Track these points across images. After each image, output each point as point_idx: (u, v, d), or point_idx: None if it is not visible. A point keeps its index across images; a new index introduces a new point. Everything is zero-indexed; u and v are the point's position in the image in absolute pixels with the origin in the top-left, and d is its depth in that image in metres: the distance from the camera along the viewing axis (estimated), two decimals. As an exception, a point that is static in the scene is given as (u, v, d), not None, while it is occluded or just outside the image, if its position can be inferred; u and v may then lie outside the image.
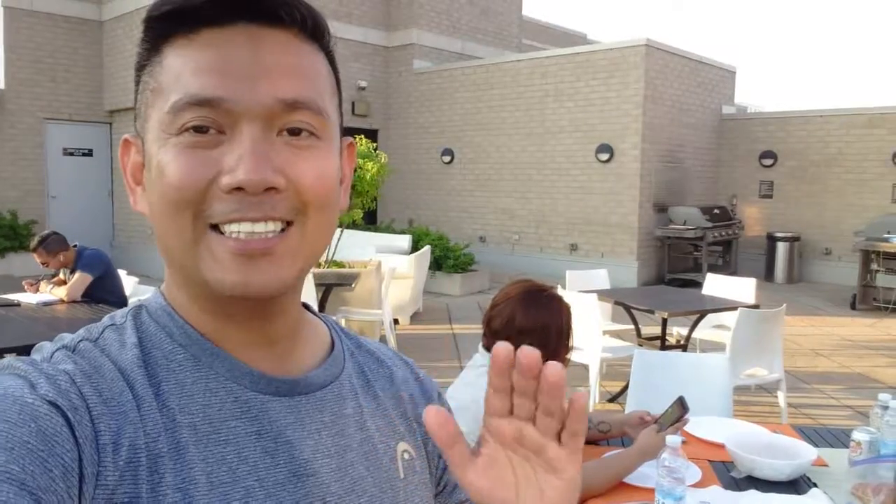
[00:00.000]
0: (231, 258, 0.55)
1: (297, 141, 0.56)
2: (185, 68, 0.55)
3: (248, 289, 0.56)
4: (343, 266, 6.68)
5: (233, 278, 0.55)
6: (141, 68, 0.59)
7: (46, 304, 4.40)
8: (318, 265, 6.55)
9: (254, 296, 0.56)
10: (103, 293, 4.61)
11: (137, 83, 0.60)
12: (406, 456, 0.69)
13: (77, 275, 4.54)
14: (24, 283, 4.79)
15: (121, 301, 4.69)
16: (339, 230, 6.67)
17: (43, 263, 4.65)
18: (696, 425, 2.21)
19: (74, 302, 4.47)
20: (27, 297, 4.50)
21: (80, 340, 0.58)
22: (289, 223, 0.57)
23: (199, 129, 0.54)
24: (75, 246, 4.71)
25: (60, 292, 4.52)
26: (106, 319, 0.62)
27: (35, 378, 0.51)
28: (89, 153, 11.50)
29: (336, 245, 6.72)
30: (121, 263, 11.40)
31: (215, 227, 0.55)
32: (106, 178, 11.64)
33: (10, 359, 0.55)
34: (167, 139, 0.55)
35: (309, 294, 5.39)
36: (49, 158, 11.08)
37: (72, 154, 11.32)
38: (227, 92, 0.54)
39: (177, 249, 0.57)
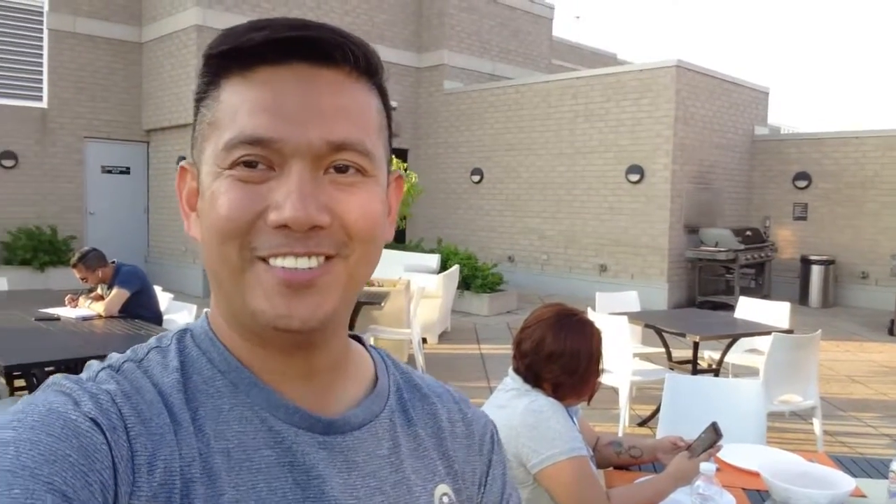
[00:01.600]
0: (276, 288, 0.56)
1: (344, 178, 0.58)
2: (240, 107, 0.57)
3: (290, 322, 0.57)
4: (372, 285, 6.72)
5: (277, 310, 0.57)
6: (200, 100, 0.62)
7: (85, 318, 4.49)
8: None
9: (296, 328, 0.57)
10: (139, 308, 4.69)
11: (196, 113, 0.62)
12: (445, 499, 0.68)
13: (115, 290, 4.63)
14: (66, 298, 4.89)
15: (156, 316, 4.77)
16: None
17: (82, 279, 4.75)
18: (730, 452, 2.19)
19: (112, 317, 4.54)
20: (67, 312, 4.60)
21: (126, 361, 0.60)
22: (332, 256, 0.58)
23: (249, 164, 0.57)
24: (113, 262, 4.81)
25: (99, 307, 4.61)
26: (153, 341, 0.64)
27: (79, 396, 0.53)
28: (126, 171, 11.76)
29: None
30: (154, 279, 11.54)
31: (262, 260, 0.57)
32: (142, 195, 11.89)
33: (58, 376, 0.57)
34: (220, 172, 0.58)
35: (339, 312, 5.42)
36: (88, 176, 11.36)
37: (110, 172, 11.60)
38: (277, 133, 0.56)
39: (224, 277, 0.59)
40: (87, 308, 4.67)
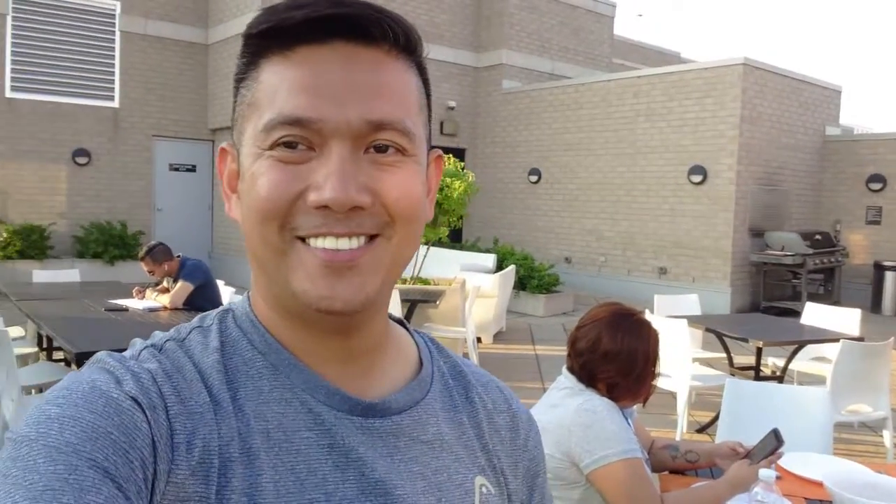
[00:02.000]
0: (319, 269, 0.56)
1: (384, 158, 0.58)
2: (279, 87, 0.57)
3: (333, 303, 0.57)
4: (428, 283, 6.75)
5: (319, 292, 0.57)
6: (239, 81, 0.61)
7: (151, 310, 4.64)
8: (404, 281, 6.65)
9: (339, 309, 0.57)
10: (203, 301, 4.81)
11: (236, 95, 0.62)
12: (484, 490, 0.67)
13: (179, 283, 4.77)
14: (133, 290, 5.08)
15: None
16: (424, 247, 6.76)
17: (149, 272, 4.91)
18: (792, 460, 2.11)
19: (176, 309, 4.68)
20: (134, 303, 4.77)
21: (168, 340, 0.61)
22: (374, 236, 0.58)
23: (289, 145, 0.56)
24: (178, 256, 4.96)
25: (164, 300, 4.76)
26: (195, 321, 0.65)
27: (121, 374, 0.54)
28: (193, 169, 12.12)
29: (422, 262, 6.80)
30: (217, 274, 11.86)
31: (302, 240, 0.57)
32: (207, 192, 12.23)
33: (103, 353, 0.58)
34: (260, 153, 0.57)
35: (393, 309, 5.48)
36: (156, 173, 11.75)
37: (177, 169, 11.97)
38: (317, 112, 0.56)
39: (266, 258, 0.59)
40: (154, 300, 4.83)
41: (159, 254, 4.87)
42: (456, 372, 0.73)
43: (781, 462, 1.97)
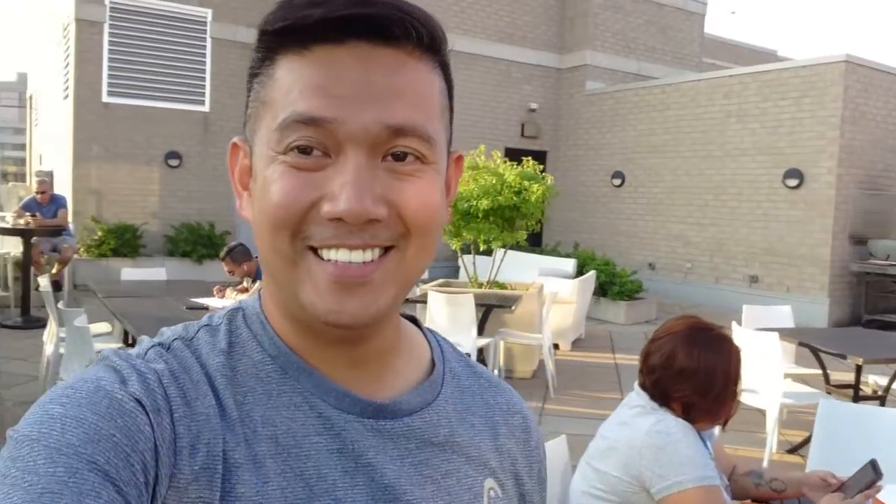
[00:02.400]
0: (328, 284, 0.54)
1: (402, 166, 0.55)
2: (294, 85, 0.54)
3: (341, 317, 0.55)
4: (504, 287, 6.64)
5: (328, 305, 0.55)
6: (253, 76, 0.59)
7: (228, 309, 4.74)
8: (480, 285, 6.57)
9: (346, 324, 0.55)
10: (278, 302, 4.89)
11: (249, 90, 0.60)
12: (492, 493, 0.66)
13: (257, 284, 4.86)
14: (214, 289, 5.21)
15: (293, 310, 4.96)
16: (501, 251, 6.66)
17: (229, 272, 5.03)
18: (893, 495, 1.89)
19: (252, 309, 4.77)
20: (214, 302, 4.88)
21: (176, 339, 0.60)
22: (389, 248, 0.56)
23: (303, 150, 0.54)
24: (257, 257, 5.06)
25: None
26: (204, 319, 0.63)
27: (127, 374, 0.53)
28: (278, 171, 12.43)
29: (499, 266, 6.70)
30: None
31: (313, 250, 0.55)
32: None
33: (109, 350, 0.57)
34: (273, 157, 0.55)
35: (468, 314, 5.41)
36: (244, 175, 12.10)
37: (263, 172, 12.30)
38: (332, 113, 0.53)
39: (275, 266, 0.57)
40: (233, 299, 4.93)
41: (238, 254, 4.98)
42: (470, 372, 0.72)
43: (880, 496, 1.76)
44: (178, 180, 11.49)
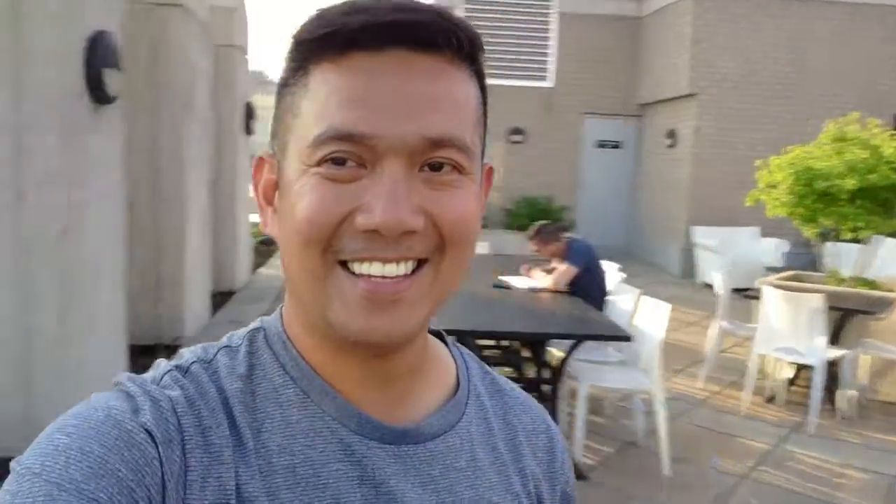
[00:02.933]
0: (360, 301, 0.53)
1: (439, 176, 0.55)
2: (330, 98, 0.53)
3: (371, 336, 0.54)
4: (875, 286, 5.33)
5: (358, 325, 0.54)
6: (284, 86, 0.58)
7: (534, 290, 4.57)
8: (840, 281, 5.39)
9: (378, 342, 0.54)
10: (588, 285, 4.59)
11: (279, 101, 0.58)
12: None
13: (563, 265, 4.61)
14: (522, 266, 5.10)
15: (600, 295, 4.61)
16: (878, 239, 5.36)
17: (536, 251, 4.85)
18: None
19: (558, 291, 4.53)
20: (519, 282, 4.77)
21: (194, 362, 0.59)
22: (423, 261, 0.55)
23: (337, 161, 0.53)
24: (567, 237, 4.78)
25: (547, 281, 4.64)
26: (224, 339, 0.62)
27: (141, 402, 0.52)
28: (617, 146, 12.03)
29: (870, 259, 5.40)
30: (635, 255, 11.64)
31: (343, 264, 0.54)
32: (629, 170, 12.03)
33: (124, 375, 0.56)
34: (305, 170, 0.54)
35: (815, 317, 4.43)
36: (583, 151, 11.97)
37: (603, 146, 12.02)
38: (370, 127, 0.52)
39: (304, 284, 0.56)
40: (539, 280, 4.75)
41: (547, 234, 4.77)
42: (494, 390, 0.71)
43: None
44: (520, 156, 11.82)
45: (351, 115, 0.52)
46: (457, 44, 0.54)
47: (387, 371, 0.60)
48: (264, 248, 9.27)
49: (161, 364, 0.59)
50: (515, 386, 0.74)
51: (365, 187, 0.52)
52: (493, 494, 0.63)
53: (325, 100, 0.53)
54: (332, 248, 0.53)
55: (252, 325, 0.63)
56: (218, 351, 0.60)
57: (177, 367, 0.58)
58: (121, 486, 0.47)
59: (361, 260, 0.52)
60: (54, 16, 2.71)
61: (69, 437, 0.48)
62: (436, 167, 0.54)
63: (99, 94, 2.96)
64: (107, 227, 3.23)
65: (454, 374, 0.68)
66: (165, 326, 4.73)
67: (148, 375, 0.57)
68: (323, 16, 0.54)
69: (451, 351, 0.70)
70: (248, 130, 7.19)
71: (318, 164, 0.53)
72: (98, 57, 2.91)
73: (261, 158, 0.62)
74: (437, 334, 0.70)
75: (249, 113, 7.16)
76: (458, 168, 0.55)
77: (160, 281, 4.71)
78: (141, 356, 4.19)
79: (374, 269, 0.53)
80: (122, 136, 3.37)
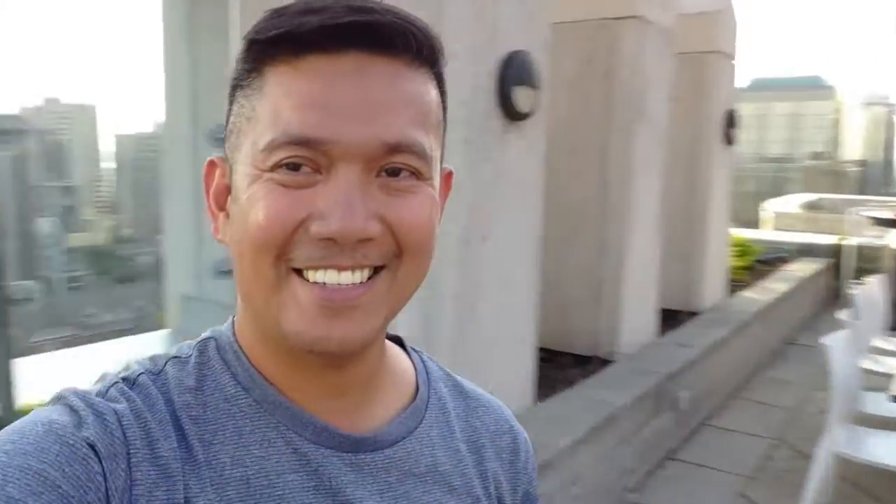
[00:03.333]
0: (314, 309, 0.53)
1: (396, 182, 0.54)
2: (284, 101, 0.52)
3: (328, 344, 0.53)
4: None
5: (314, 333, 0.53)
6: (237, 88, 0.56)
7: None
8: None
9: (334, 351, 0.54)
10: None
11: (231, 102, 0.57)
12: None
13: None
14: None
15: None
16: None
17: None
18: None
19: None
20: None
21: (142, 373, 0.57)
22: (380, 268, 0.54)
23: (291, 167, 0.52)
24: None
25: None
26: (173, 349, 0.61)
27: (84, 415, 0.51)
28: None
29: None
30: None
31: (297, 272, 0.53)
32: None
33: (68, 389, 0.55)
34: (258, 175, 0.53)
35: None
36: None
37: None
38: (326, 132, 0.51)
39: (257, 293, 0.55)
40: None
41: None
42: (456, 393, 0.71)
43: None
44: None
45: (306, 120, 0.51)
46: (415, 46, 0.54)
47: (342, 382, 0.59)
48: (763, 266, 8.39)
49: (107, 376, 0.58)
50: (479, 388, 0.74)
51: (320, 193, 0.52)
52: (452, 498, 0.63)
53: (279, 103, 0.52)
54: (285, 255, 0.52)
55: (202, 335, 0.62)
56: (167, 362, 0.59)
57: (124, 378, 0.57)
58: (62, 502, 0.46)
59: (316, 268, 0.52)
60: (470, 44, 2.98)
61: (6, 454, 0.48)
62: (393, 172, 0.53)
63: (510, 110, 3.15)
64: (520, 237, 3.42)
65: (413, 378, 0.68)
66: (602, 338, 4.77)
67: (93, 388, 0.56)
68: (278, 16, 0.52)
69: (410, 356, 0.69)
70: (729, 140, 6.72)
71: (272, 169, 0.52)
72: (510, 75, 3.10)
73: (212, 162, 0.60)
74: (396, 339, 0.69)
75: (731, 121, 6.68)
76: (415, 173, 0.54)
77: (598, 289, 4.77)
78: (576, 365, 4.34)
79: (329, 276, 0.52)
80: (540, 149, 3.52)
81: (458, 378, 0.73)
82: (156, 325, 4.10)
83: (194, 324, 3.50)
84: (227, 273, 2.43)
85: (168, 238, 3.90)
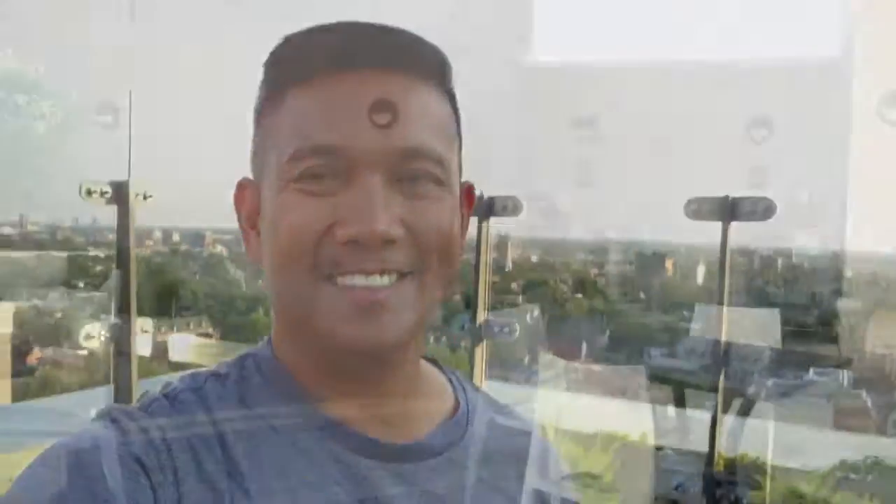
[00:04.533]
0: (348, 310, 0.54)
1: (416, 188, 0.56)
2: (306, 115, 0.55)
3: (362, 342, 0.55)
4: None
5: (348, 332, 0.55)
6: (260, 111, 0.60)
7: None
8: None
9: (367, 350, 0.55)
10: None
11: (256, 127, 0.60)
12: None
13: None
14: None
15: None
16: None
17: None
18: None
19: None
20: None
21: (183, 390, 0.59)
22: (406, 274, 0.56)
23: (315, 175, 0.54)
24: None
25: None
26: (214, 367, 0.62)
27: (130, 431, 0.52)
28: None
29: None
30: None
31: (329, 278, 0.55)
32: None
33: (113, 406, 0.57)
34: (284, 186, 0.55)
35: None
36: None
37: None
38: (346, 140, 0.54)
39: (290, 300, 0.58)
40: None
41: None
42: (493, 411, 0.71)
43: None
44: None
45: (327, 130, 0.54)
46: (425, 65, 0.58)
47: (381, 389, 0.61)
48: None
49: (149, 394, 0.59)
50: (510, 406, 0.75)
51: (343, 200, 0.54)
52: None
53: (300, 117, 0.55)
54: (316, 263, 0.55)
55: (241, 353, 0.64)
56: (206, 379, 0.60)
57: (165, 395, 0.58)
58: None
59: (345, 273, 0.55)
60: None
61: (58, 471, 0.49)
62: (412, 179, 0.56)
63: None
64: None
65: (452, 396, 0.69)
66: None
67: (137, 405, 0.58)
68: (294, 40, 0.57)
69: (447, 375, 0.71)
70: None
71: (297, 179, 0.55)
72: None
73: (241, 184, 0.62)
74: (432, 361, 0.71)
75: None
76: (434, 180, 0.57)
77: None
78: None
79: (358, 280, 0.55)
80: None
81: (490, 396, 0.74)
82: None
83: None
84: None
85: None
